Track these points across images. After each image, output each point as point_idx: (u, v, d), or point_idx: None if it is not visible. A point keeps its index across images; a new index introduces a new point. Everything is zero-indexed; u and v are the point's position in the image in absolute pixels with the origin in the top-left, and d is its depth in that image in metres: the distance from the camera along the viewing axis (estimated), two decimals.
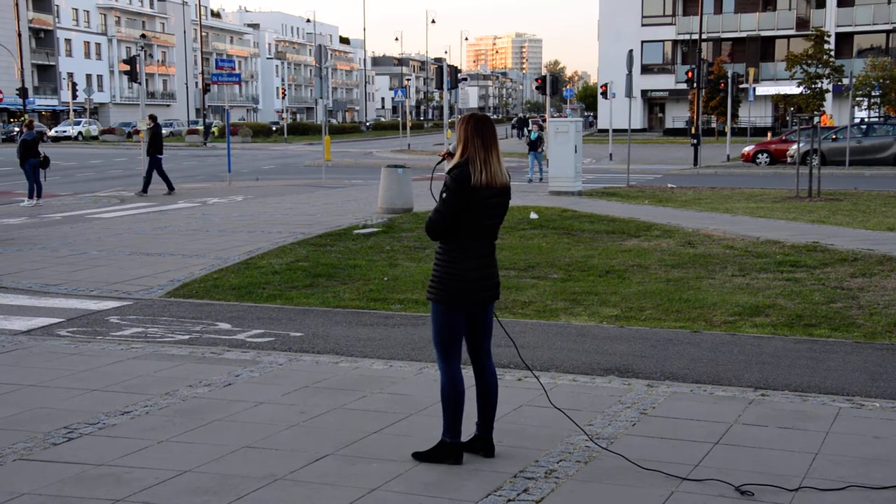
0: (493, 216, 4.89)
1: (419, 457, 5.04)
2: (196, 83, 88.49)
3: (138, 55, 26.90)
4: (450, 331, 4.95)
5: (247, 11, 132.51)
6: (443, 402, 5.01)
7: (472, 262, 4.88)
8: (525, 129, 72.62)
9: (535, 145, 28.70)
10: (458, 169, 4.80)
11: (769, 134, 62.55)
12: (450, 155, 5.08)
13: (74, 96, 72.27)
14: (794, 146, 34.39)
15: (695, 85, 37.95)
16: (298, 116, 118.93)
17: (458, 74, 37.02)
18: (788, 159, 34.23)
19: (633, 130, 39.08)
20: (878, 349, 7.75)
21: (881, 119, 45.42)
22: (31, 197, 21.43)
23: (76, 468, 4.98)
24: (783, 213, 17.93)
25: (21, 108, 62.86)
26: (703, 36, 42.21)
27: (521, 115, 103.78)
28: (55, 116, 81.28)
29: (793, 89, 49.58)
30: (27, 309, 9.55)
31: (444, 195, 4.79)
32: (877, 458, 5.12)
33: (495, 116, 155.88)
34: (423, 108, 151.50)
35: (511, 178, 4.99)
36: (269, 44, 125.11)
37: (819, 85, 44.13)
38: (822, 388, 6.62)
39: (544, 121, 38.43)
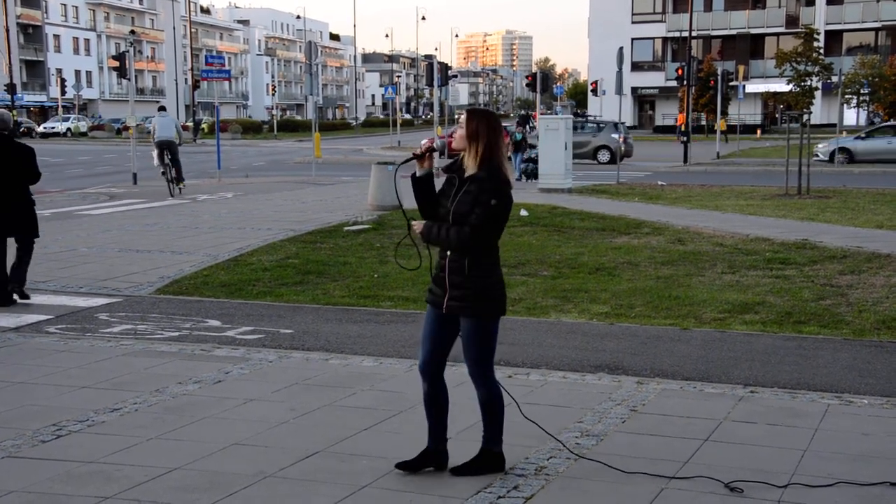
0: None
1: (460, 471, 4.82)
2: (186, 79, 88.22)
3: (127, 51, 26.82)
4: (496, 341, 4.78)
5: (236, 8, 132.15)
6: (499, 415, 4.83)
7: (500, 269, 4.75)
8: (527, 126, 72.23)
9: (520, 146, 28.46)
10: (497, 172, 4.53)
11: (759, 131, 62.87)
12: (432, 152, 4.77)
13: (63, 92, 71.97)
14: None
15: (685, 82, 38.00)
16: (288, 113, 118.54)
17: (449, 71, 37.01)
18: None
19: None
20: (866, 346, 7.78)
21: (584, 118, 47.70)
22: None
23: (65, 466, 4.96)
24: (773, 211, 17.97)
25: (9, 103, 62.59)
26: (693, 33, 42.27)
27: (522, 112, 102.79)
28: (44, 112, 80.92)
29: (782, 87, 49.75)
30: (16, 306, 9.50)
31: (494, 202, 4.48)
32: (865, 454, 5.14)
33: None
34: (413, 105, 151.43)
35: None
36: (259, 40, 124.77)
37: (808, 83, 44.27)
38: (811, 384, 6.65)
39: (532, 118, 38.57)
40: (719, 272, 11.20)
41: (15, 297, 9.59)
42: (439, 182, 4.76)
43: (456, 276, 4.62)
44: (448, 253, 4.66)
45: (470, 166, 4.60)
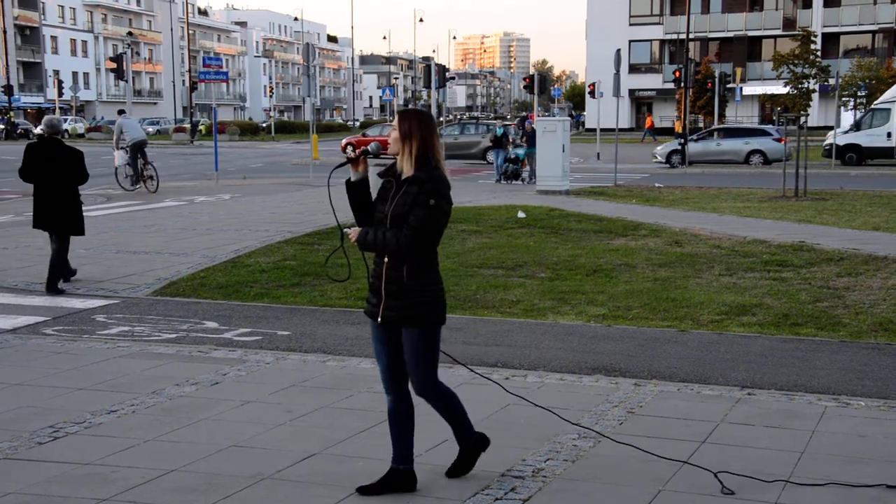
0: None
1: (452, 473, 4.79)
2: (183, 81, 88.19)
3: (125, 53, 26.88)
4: (439, 350, 4.58)
5: (234, 9, 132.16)
6: (462, 414, 4.71)
7: (440, 274, 4.53)
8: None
9: (500, 143, 28.16)
10: (436, 172, 4.33)
11: None
12: (366, 155, 4.53)
13: (60, 94, 71.77)
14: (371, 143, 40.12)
15: (682, 84, 38.05)
16: (286, 115, 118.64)
17: (446, 73, 37.00)
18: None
19: (621, 130, 39.21)
20: (863, 348, 7.78)
21: (474, 120, 49.21)
22: None
23: (62, 467, 4.96)
24: (770, 213, 18.00)
25: (6, 105, 62.56)
26: (691, 35, 42.38)
27: (523, 113, 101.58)
28: (41, 114, 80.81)
29: (779, 89, 49.74)
30: (12, 307, 9.49)
31: (433, 202, 4.27)
32: (861, 456, 5.14)
33: (486, 115, 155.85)
34: (410, 106, 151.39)
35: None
36: (257, 42, 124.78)
37: (805, 85, 44.27)
38: (808, 387, 6.65)
39: (525, 118, 38.86)
40: (717, 274, 11.20)
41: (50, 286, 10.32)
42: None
43: (393, 285, 4.38)
44: (385, 260, 4.41)
45: (406, 168, 4.38)
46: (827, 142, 37.27)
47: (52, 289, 10.19)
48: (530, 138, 28.00)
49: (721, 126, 41.89)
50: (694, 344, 7.95)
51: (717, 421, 5.76)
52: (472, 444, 4.81)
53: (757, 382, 6.73)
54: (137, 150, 22.95)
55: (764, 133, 36.97)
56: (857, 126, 36.77)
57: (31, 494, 4.61)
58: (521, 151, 27.75)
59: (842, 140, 35.96)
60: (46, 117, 10.85)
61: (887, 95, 36.85)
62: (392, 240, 4.31)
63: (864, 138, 35.20)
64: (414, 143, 4.34)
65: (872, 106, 38.06)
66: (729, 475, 4.78)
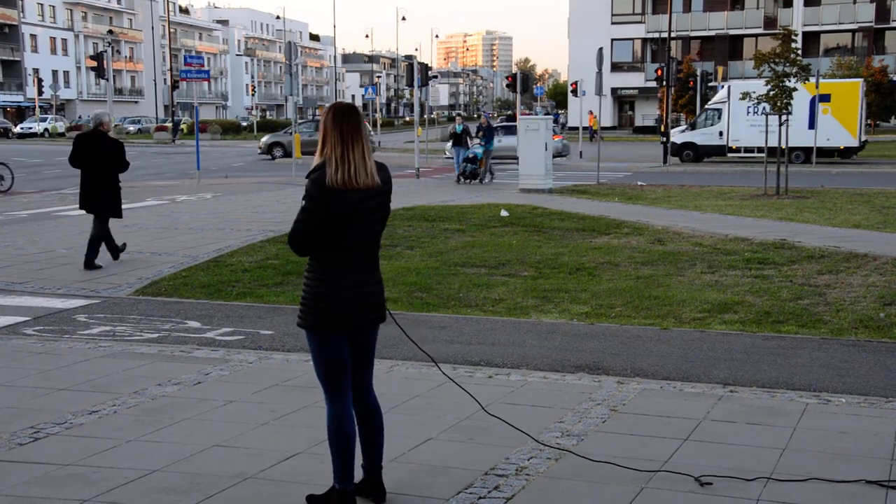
0: (366, 223, 4.18)
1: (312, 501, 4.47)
2: (165, 80, 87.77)
3: (105, 51, 26.73)
4: (332, 362, 4.31)
5: (216, 8, 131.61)
6: (330, 445, 4.36)
7: (346, 279, 4.20)
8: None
9: (460, 140, 27.90)
10: (316, 171, 4.13)
11: None
12: None
13: (40, 92, 71.37)
14: (264, 138, 43.17)
15: (664, 83, 38.17)
16: (268, 113, 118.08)
17: (429, 72, 37.00)
18: (259, 150, 42.53)
19: (603, 128, 39.37)
20: (844, 345, 7.84)
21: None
22: None
23: (42, 468, 4.92)
24: (751, 211, 18.08)
25: None
26: (673, 34, 42.48)
27: (509, 112, 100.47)
28: (20, 113, 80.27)
29: (761, 87, 50.02)
30: None
31: (303, 202, 4.15)
32: (842, 453, 5.18)
33: (466, 114, 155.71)
34: (393, 105, 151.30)
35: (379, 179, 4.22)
36: (239, 40, 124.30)
37: (786, 83, 44.50)
38: (789, 384, 6.69)
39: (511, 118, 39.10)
40: (699, 272, 11.25)
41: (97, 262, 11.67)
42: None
43: None
44: None
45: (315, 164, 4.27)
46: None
47: (89, 265, 11.45)
48: (486, 133, 27.79)
49: (501, 124, 42.93)
50: (676, 342, 7.98)
51: (700, 418, 5.78)
52: (340, 487, 4.35)
53: (739, 380, 6.77)
54: None
55: None
56: (692, 125, 38.72)
57: (11, 496, 4.57)
58: (479, 150, 27.55)
59: (679, 138, 37.96)
60: (95, 112, 12.02)
61: (719, 96, 39.31)
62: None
63: (700, 137, 37.40)
64: (319, 141, 4.24)
65: (706, 106, 39.83)
66: (709, 475, 4.80)
